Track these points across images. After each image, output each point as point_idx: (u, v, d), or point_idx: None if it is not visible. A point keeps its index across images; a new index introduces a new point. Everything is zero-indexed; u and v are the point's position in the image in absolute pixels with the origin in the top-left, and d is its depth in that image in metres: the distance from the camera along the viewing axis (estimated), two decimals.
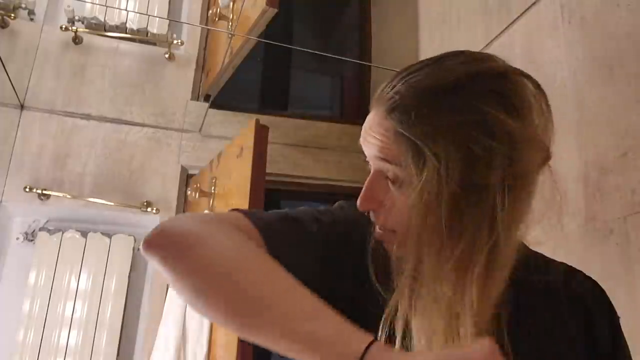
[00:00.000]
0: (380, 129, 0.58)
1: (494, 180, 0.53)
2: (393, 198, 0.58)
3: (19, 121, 2.07)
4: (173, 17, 2.42)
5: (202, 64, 2.41)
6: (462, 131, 0.53)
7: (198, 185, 1.93)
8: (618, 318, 0.66)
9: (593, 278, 0.68)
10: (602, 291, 0.67)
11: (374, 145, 0.58)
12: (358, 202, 0.60)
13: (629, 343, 0.67)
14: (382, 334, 0.53)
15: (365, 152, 0.61)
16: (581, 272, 0.68)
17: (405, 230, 0.57)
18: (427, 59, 0.60)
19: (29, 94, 2.11)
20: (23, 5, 2.15)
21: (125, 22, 2.28)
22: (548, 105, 0.60)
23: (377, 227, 0.60)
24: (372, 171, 0.60)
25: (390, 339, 0.53)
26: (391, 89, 0.58)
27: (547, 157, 0.58)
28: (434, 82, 0.56)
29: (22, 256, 2.02)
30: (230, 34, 1.91)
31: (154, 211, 2.08)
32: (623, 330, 0.68)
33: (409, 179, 0.55)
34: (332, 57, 2.61)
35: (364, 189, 0.60)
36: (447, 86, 0.55)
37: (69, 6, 2.19)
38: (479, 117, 0.54)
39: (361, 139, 0.61)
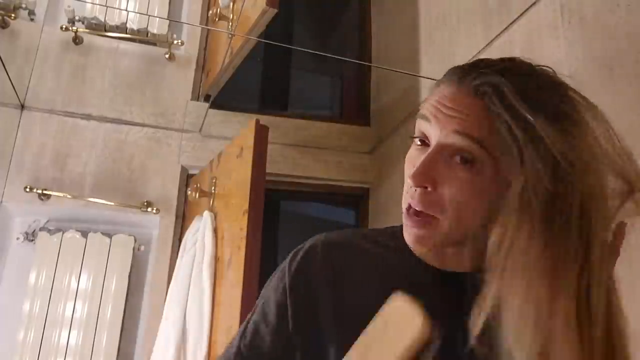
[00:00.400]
0: (463, 104, 0.55)
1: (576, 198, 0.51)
2: (452, 179, 0.54)
3: (19, 121, 2.07)
4: (173, 17, 2.42)
5: (202, 64, 2.42)
6: (561, 138, 0.52)
7: (198, 185, 1.93)
8: None
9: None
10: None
11: (453, 119, 0.55)
12: (411, 176, 0.55)
13: (629, 343, 0.66)
14: None
15: (429, 127, 0.57)
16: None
17: (454, 216, 0.55)
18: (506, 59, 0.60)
19: (29, 94, 2.11)
20: (23, 5, 2.15)
21: (126, 22, 2.28)
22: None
23: (409, 215, 0.57)
24: (432, 147, 0.56)
25: None
26: (479, 72, 0.56)
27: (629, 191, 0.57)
28: (537, 81, 0.57)
29: (23, 256, 2.02)
30: (230, 34, 1.91)
31: (154, 211, 2.08)
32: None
33: (487, 163, 0.53)
34: (332, 57, 2.61)
35: (421, 163, 0.55)
36: (551, 91, 0.57)
37: (69, 6, 2.20)
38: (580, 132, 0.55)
39: (426, 112, 0.57)
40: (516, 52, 1.43)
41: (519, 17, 1.42)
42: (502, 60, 0.59)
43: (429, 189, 0.55)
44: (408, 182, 0.57)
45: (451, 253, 0.60)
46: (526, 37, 1.38)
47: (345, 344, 0.53)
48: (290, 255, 0.64)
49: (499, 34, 1.51)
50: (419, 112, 0.59)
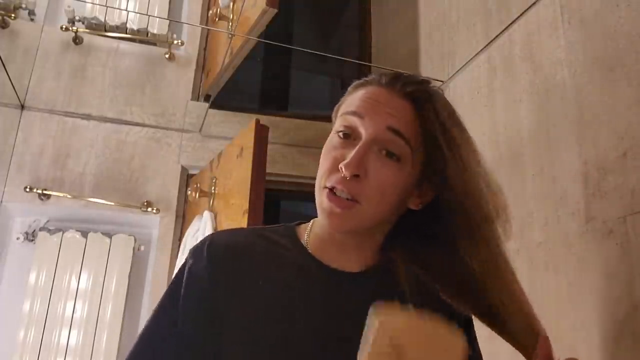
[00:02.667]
0: (398, 106, 0.63)
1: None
2: (380, 170, 0.61)
3: (19, 121, 2.07)
4: (173, 17, 2.42)
5: (202, 64, 2.42)
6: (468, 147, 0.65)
7: (198, 185, 1.93)
8: None
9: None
10: None
11: (388, 116, 0.62)
12: (346, 165, 0.60)
13: (630, 343, 0.67)
14: None
15: (362, 122, 0.63)
16: None
17: (374, 203, 0.62)
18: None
19: (29, 94, 2.11)
20: (23, 6, 2.15)
21: (126, 22, 2.28)
22: None
23: (330, 197, 0.62)
24: (365, 140, 0.62)
25: None
26: (410, 81, 0.65)
27: None
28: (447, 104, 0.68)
29: (23, 256, 2.02)
30: (230, 34, 1.91)
31: (154, 211, 2.08)
32: (624, 328, 0.69)
33: (409, 160, 0.62)
34: (332, 57, 2.61)
35: (355, 153, 0.61)
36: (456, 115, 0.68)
37: (69, 6, 2.20)
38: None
39: (361, 109, 0.63)
40: (516, 52, 1.44)
41: (519, 17, 1.42)
42: (422, 80, 0.68)
43: (361, 177, 0.61)
44: (337, 167, 0.62)
45: (351, 249, 0.68)
46: (526, 37, 1.38)
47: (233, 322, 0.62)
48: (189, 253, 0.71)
49: (499, 34, 1.51)
50: (344, 110, 0.66)
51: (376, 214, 0.63)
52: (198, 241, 0.73)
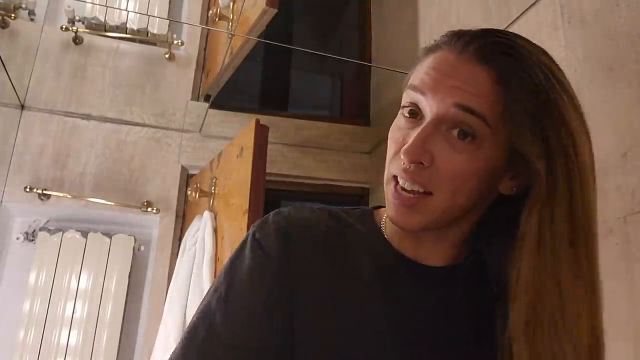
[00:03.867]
0: (470, 76, 0.50)
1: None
2: (450, 154, 0.50)
3: (19, 121, 2.07)
4: (173, 17, 2.42)
5: (202, 64, 2.41)
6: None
7: (198, 185, 1.93)
8: None
9: None
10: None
11: (457, 91, 0.50)
12: (405, 151, 0.50)
13: (630, 343, 0.66)
14: None
15: (423, 98, 0.52)
16: None
17: (448, 193, 0.51)
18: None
19: (29, 94, 2.11)
20: (23, 6, 2.15)
21: (126, 22, 2.28)
22: None
23: (396, 192, 0.53)
24: (428, 121, 0.51)
25: None
26: (490, 40, 0.52)
27: None
28: (548, 64, 0.52)
29: (22, 256, 2.02)
30: (230, 34, 1.91)
31: (154, 211, 2.08)
32: (623, 329, 0.68)
33: (487, 139, 0.50)
34: (332, 57, 2.61)
35: (416, 137, 0.50)
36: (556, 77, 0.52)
37: (69, 6, 2.19)
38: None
39: (421, 82, 0.52)
40: None
41: (519, 17, 1.42)
42: (513, 34, 0.54)
43: (426, 164, 0.51)
44: (398, 155, 0.52)
45: (430, 241, 0.58)
46: (526, 37, 1.38)
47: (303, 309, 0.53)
48: (253, 226, 0.60)
49: None
50: (410, 83, 0.54)
51: (454, 206, 0.52)
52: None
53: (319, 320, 0.54)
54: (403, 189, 0.52)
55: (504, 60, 0.50)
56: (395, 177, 0.53)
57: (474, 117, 0.49)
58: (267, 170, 1.66)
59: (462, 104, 0.49)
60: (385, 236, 0.60)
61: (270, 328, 0.53)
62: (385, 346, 0.54)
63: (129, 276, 2.03)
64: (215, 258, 1.71)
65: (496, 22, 1.53)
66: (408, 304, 0.56)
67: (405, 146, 0.50)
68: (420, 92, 0.52)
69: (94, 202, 2.04)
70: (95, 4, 2.23)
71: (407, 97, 0.54)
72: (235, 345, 0.52)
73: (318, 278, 0.56)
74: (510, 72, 0.50)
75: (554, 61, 0.53)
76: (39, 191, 1.99)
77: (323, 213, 0.61)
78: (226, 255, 1.64)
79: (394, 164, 0.53)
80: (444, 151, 0.50)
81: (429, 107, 0.51)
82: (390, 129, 0.56)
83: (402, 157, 0.51)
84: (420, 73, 0.53)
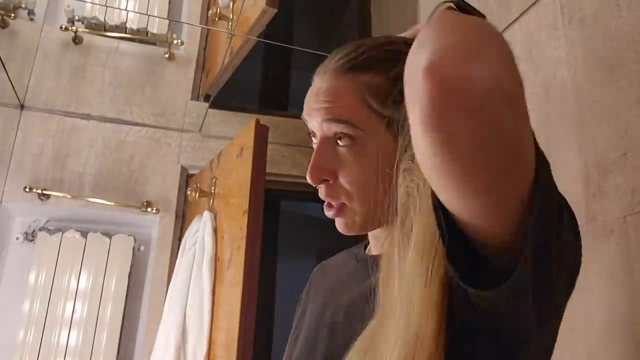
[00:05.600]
0: (328, 92, 0.57)
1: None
2: (344, 164, 0.57)
3: (19, 121, 2.07)
4: (173, 17, 2.41)
5: (202, 64, 2.41)
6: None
7: (198, 185, 1.93)
8: None
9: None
10: None
11: (320, 110, 0.58)
12: (308, 174, 0.59)
13: (629, 343, 0.66)
14: None
15: (311, 124, 0.60)
16: None
17: (359, 196, 0.58)
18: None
19: (29, 94, 2.11)
20: (23, 5, 2.15)
21: (125, 22, 2.28)
22: None
23: (326, 208, 0.61)
24: (317, 143, 0.60)
25: None
26: (342, 54, 0.59)
27: None
28: (388, 46, 0.58)
29: (22, 256, 2.02)
30: (230, 34, 1.91)
31: (154, 211, 2.08)
32: (623, 330, 0.68)
33: (365, 137, 0.56)
34: None
35: (312, 161, 0.58)
36: (394, 55, 0.57)
37: (68, 6, 2.19)
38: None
39: (305, 114, 0.61)
40: (516, 52, 1.43)
41: (519, 17, 1.42)
42: (359, 43, 0.61)
43: (331, 181, 0.58)
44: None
45: (379, 234, 0.64)
46: (526, 37, 1.38)
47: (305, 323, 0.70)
48: None
49: None
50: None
51: (374, 206, 0.57)
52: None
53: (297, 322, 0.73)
54: (328, 204, 0.60)
55: (348, 67, 0.57)
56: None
57: (341, 124, 0.56)
58: (267, 170, 1.66)
59: (327, 118, 0.57)
60: (369, 246, 0.70)
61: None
62: (318, 329, 0.64)
63: (129, 276, 2.03)
64: (215, 258, 1.71)
65: (496, 22, 1.53)
66: (349, 287, 0.65)
67: (307, 171, 0.58)
68: (306, 121, 0.61)
69: (94, 202, 2.04)
70: (95, 3, 2.23)
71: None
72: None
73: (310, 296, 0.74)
74: (351, 75, 0.56)
75: (390, 39, 0.60)
76: (39, 191, 1.99)
77: (343, 253, 0.77)
78: (226, 255, 1.64)
79: (320, 191, 0.61)
80: (340, 163, 0.57)
81: (315, 129, 0.60)
82: None
83: (309, 180, 0.59)
84: (304, 106, 0.62)
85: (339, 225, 0.61)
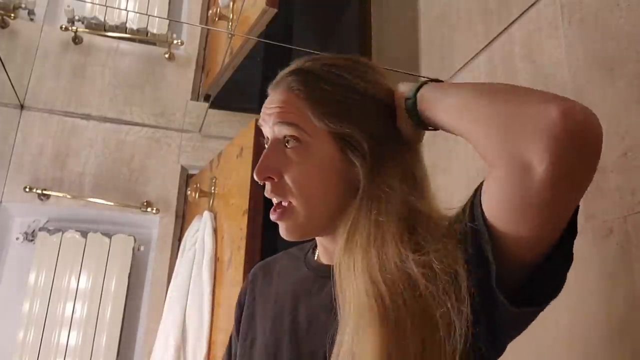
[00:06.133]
0: (280, 101, 0.65)
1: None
2: (290, 164, 0.63)
3: (19, 121, 2.07)
4: (173, 17, 2.41)
5: (202, 64, 2.41)
6: (353, 102, 0.63)
7: (198, 185, 1.93)
8: None
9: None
10: None
11: (272, 114, 0.65)
12: (255, 172, 0.63)
13: (630, 343, 0.66)
14: None
15: (265, 129, 0.67)
16: None
17: (303, 196, 0.62)
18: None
19: (29, 94, 2.11)
20: (23, 5, 2.15)
21: (125, 22, 2.28)
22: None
23: (272, 212, 0.65)
24: (269, 143, 0.66)
25: None
26: (289, 71, 0.68)
27: None
28: (330, 62, 0.67)
29: (22, 256, 2.02)
30: (230, 34, 1.91)
31: (154, 211, 2.08)
32: (623, 330, 0.68)
33: (310, 141, 0.62)
34: None
35: (261, 159, 0.64)
36: (338, 66, 0.66)
37: (69, 6, 2.19)
38: (361, 91, 0.64)
39: (260, 120, 0.67)
40: (516, 52, 1.44)
41: (519, 17, 1.42)
42: (305, 60, 0.69)
43: (275, 180, 0.63)
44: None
45: (327, 245, 0.68)
46: (526, 37, 1.38)
47: (259, 329, 0.71)
48: None
49: (499, 34, 1.50)
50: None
51: (315, 207, 0.63)
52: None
53: (245, 326, 0.75)
54: (274, 207, 0.65)
55: (297, 81, 0.65)
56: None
57: (290, 127, 0.62)
58: None
59: (278, 121, 0.64)
60: (316, 254, 0.73)
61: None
62: (277, 335, 0.67)
63: (129, 276, 2.03)
64: (215, 258, 1.71)
65: (496, 22, 1.53)
66: (306, 296, 0.69)
67: (254, 169, 0.64)
68: (261, 126, 0.68)
69: (94, 202, 2.04)
70: (95, 3, 2.23)
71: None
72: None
73: (263, 304, 0.75)
74: (303, 86, 0.64)
75: (337, 61, 0.68)
76: (39, 191, 1.99)
77: (281, 254, 0.80)
78: (226, 255, 1.64)
79: (266, 190, 0.66)
80: (286, 164, 0.63)
81: (268, 134, 0.66)
82: None
83: (255, 177, 0.63)
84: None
85: (282, 228, 0.65)
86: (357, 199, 0.60)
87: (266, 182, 0.64)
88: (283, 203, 0.64)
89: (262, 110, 0.68)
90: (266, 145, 0.67)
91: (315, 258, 0.73)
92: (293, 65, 0.69)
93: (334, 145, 0.62)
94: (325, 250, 0.70)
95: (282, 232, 0.65)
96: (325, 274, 0.64)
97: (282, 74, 0.69)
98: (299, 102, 0.64)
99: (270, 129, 0.65)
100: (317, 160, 0.62)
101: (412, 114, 0.60)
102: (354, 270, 0.55)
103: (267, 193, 0.65)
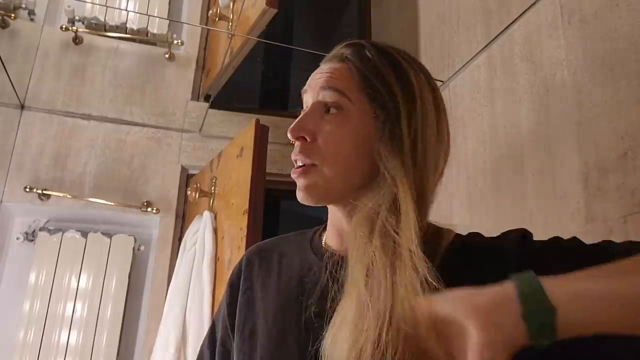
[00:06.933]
0: (331, 68, 0.65)
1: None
2: (326, 129, 0.63)
3: (19, 121, 2.07)
4: (173, 17, 2.42)
5: (202, 64, 2.42)
6: (410, 91, 0.63)
7: (198, 185, 1.93)
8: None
9: None
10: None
11: (321, 79, 0.65)
12: (289, 130, 0.63)
13: None
14: None
15: (307, 96, 0.67)
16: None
17: (330, 160, 0.62)
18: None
19: (29, 94, 2.11)
20: (23, 5, 2.15)
21: (125, 22, 2.28)
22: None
23: (293, 171, 0.65)
24: (309, 106, 0.66)
25: None
26: (347, 44, 0.68)
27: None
28: (390, 46, 0.68)
29: (22, 256, 2.02)
30: (230, 34, 1.91)
31: (154, 211, 2.08)
32: None
33: (352, 110, 0.62)
34: None
35: (297, 119, 0.64)
36: (398, 51, 0.68)
37: (69, 6, 2.20)
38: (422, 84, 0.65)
39: (306, 86, 0.68)
40: (516, 52, 1.44)
41: (519, 17, 1.42)
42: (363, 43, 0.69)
43: (308, 140, 0.63)
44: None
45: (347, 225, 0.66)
46: (526, 37, 1.38)
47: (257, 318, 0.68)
48: None
49: (499, 34, 1.51)
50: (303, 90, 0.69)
51: (339, 173, 0.62)
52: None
53: (245, 309, 0.71)
54: (297, 165, 0.65)
55: (353, 53, 0.66)
56: (295, 161, 0.66)
57: (336, 93, 0.63)
58: (267, 170, 1.66)
59: (325, 85, 0.64)
60: (323, 239, 0.71)
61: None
62: (285, 325, 0.65)
63: (129, 276, 2.03)
64: (216, 258, 1.71)
65: (496, 22, 1.53)
66: (313, 285, 0.65)
67: (290, 126, 0.63)
68: (304, 92, 0.68)
69: (94, 202, 2.04)
70: (95, 3, 2.23)
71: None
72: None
73: (264, 289, 0.71)
74: (358, 58, 0.65)
75: (398, 49, 0.69)
76: (39, 191, 1.99)
77: (277, 239, 0.78)
78: (226, 255, 1.65)
79: (293, 151, 0.65)
80: (322, 128, 0.63)
81: (310, 99, 0.66)
82: None
83: (288, 135, 0.63)
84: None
85: (301, 188, 0.64)
86: (379, 179, 0.60)
87: (296, 142, 0.64)
88: (307, 163, 0.63)
89: (310, 77, 0.68)
90: (300, 112, 0.67)
91: (323, 244, 0.71)
92: (351, 41, 0.69)
93: (374, 124, 0.62)
94: (337, 232, 0.68)
95: (300, 192, 0.64)
96: (331, 259, 0.63)
97: (338, 46, 0.69)
98: (350, 72, 0.64)
99: (315, 94, 0.65)
100: (353, 130, 0.62)
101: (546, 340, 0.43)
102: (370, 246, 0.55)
103: (294, 154, 0.65)
